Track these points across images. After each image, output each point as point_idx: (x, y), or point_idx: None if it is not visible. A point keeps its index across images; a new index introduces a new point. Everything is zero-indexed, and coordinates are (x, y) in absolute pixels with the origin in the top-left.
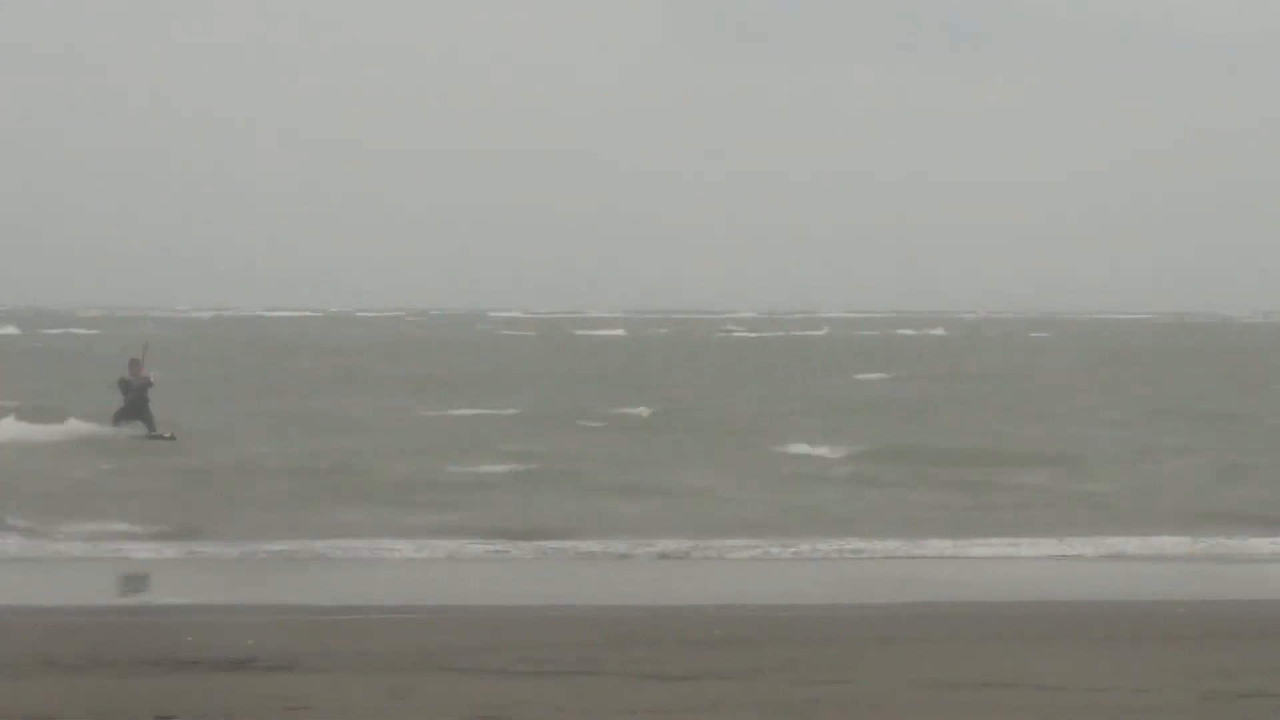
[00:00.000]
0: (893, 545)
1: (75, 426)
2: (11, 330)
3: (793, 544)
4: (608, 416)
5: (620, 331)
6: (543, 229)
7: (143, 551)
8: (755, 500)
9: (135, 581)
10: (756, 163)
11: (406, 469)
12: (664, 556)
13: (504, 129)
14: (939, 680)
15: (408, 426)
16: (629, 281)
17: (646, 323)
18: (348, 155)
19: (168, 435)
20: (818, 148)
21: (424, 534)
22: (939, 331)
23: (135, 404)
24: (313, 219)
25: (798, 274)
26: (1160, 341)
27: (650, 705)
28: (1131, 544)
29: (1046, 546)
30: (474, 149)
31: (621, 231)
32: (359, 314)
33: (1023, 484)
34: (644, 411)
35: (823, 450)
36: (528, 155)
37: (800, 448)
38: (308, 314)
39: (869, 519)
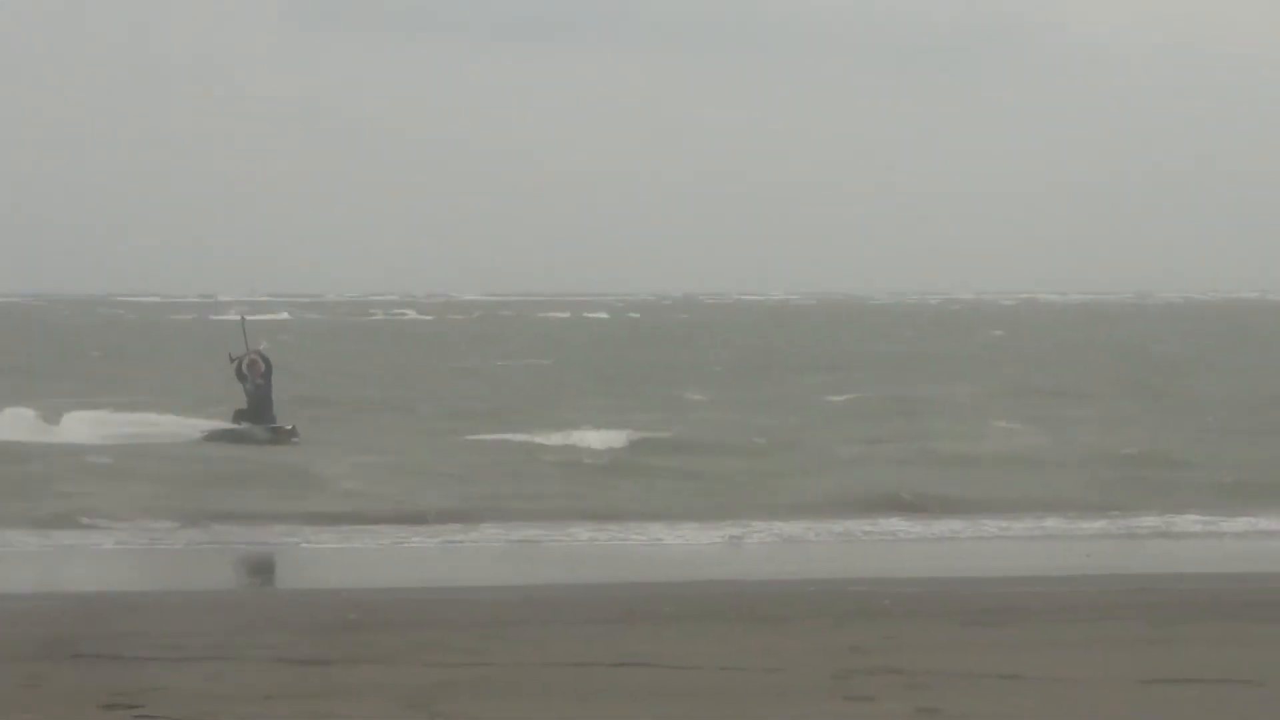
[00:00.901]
0: (535, 532)
1: (201, 425)
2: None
3: (456, 530)
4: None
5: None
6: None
7: None
8: (431, 486)
9: None
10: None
11: None
12: (306, 543)
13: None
14: (575, 661)
15: None
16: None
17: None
18: None
19: (288, 428)
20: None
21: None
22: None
23: (259, 397)
24: None
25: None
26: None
27: (285, 690)
28: (792, 527)
29: (714, 531)
30: None
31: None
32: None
33: (717, 471)
34: None
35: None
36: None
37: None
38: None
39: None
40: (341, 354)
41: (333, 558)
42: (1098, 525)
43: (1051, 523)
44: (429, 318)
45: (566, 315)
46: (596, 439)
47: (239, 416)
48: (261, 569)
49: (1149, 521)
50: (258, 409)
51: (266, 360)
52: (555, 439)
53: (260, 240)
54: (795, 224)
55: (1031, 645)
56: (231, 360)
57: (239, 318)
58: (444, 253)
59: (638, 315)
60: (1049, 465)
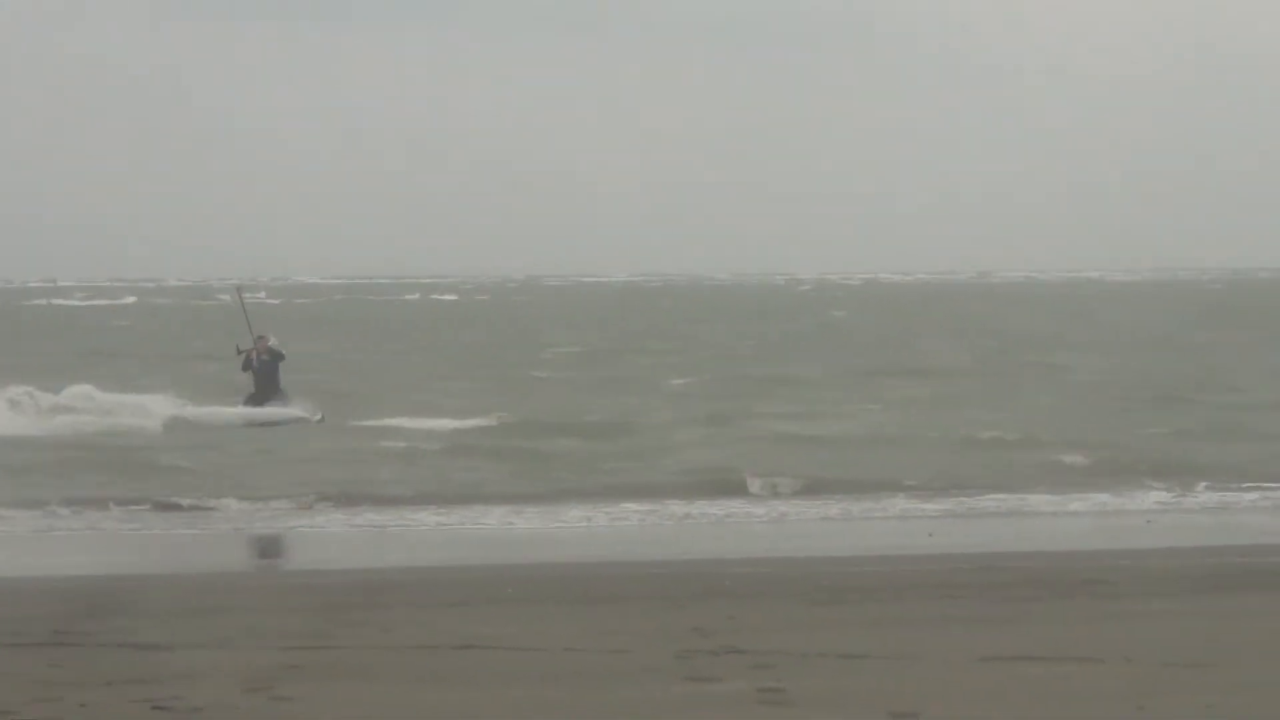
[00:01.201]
0: (377, 516)
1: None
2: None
3: (299, 515)
4: None
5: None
6: None
7: None
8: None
9: None
10: None
11: None
12: (157, 529)
13: None
14: (420, 644)
15: None
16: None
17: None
18: None
19: (317, 418)
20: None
21: None
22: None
23: (265, 383)
24: None
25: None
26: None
27: (128, 675)
28: (635, 508)
29: (558, 513)
30: None
31: None
32: None
33: (560, 453)
34: None
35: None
36: None
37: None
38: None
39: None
40: (189, 338)
41: (172, 542)
42: (944, 505)
43: (897, 502)
44: (276, 302)
45: (416, 297)
46: (441, 423)
47: (250, 403)
48: (107, 554)
49: (996, 500)
50: (270, 391)
51: (275, 352)
52: (401, 423)
53: (101, 225)
54: (636, 207)
55: (874, 624)
56: (239, 353)
57: (235, 291)
58: (286, 236)
59: (486, 297)
60: (895, 444)
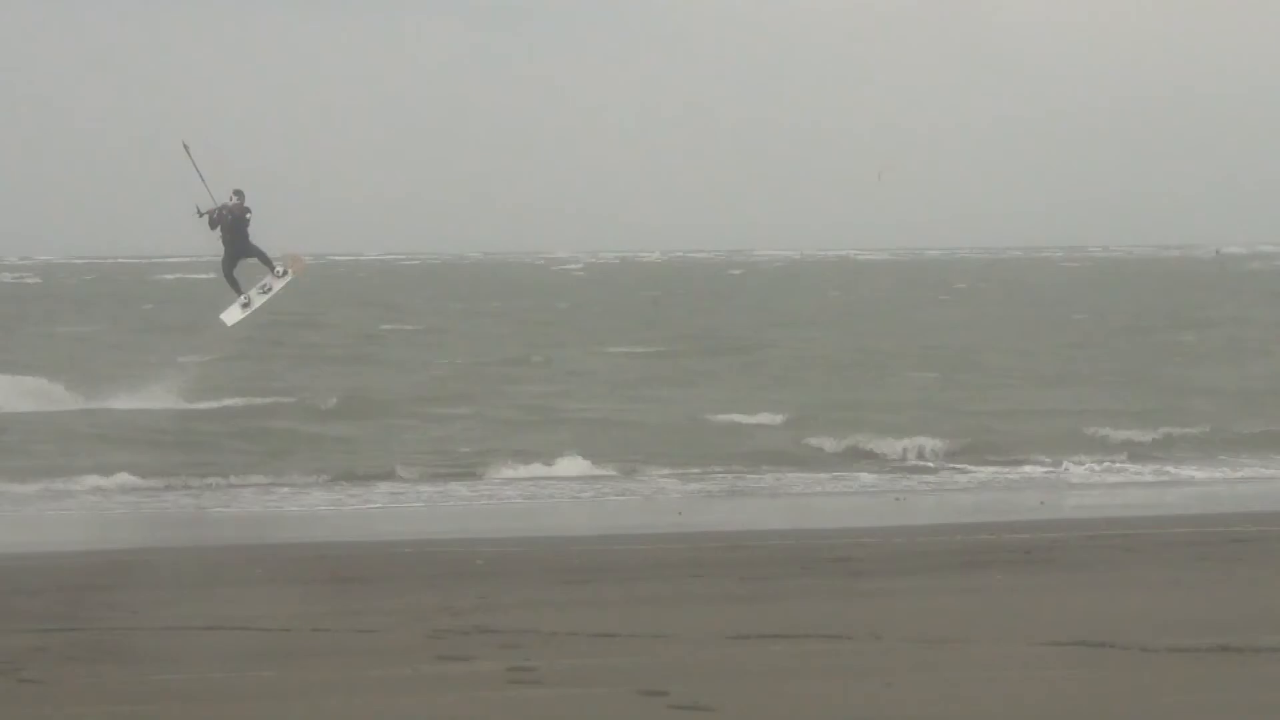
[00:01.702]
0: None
1: None
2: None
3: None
4: None
5: None
6: None
7: None
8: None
9: None
10: None
11: None
12: None
13: None
14: (167, 625)
15: None
16: None
17: None
18: None
19: (281, 272)
20: None
21: None
22: None
23: (237, 241)
24: None
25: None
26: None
27: None
28: (386, 489)
29: (307, 494)
30: None
31: None
32: None
33: (302, 434)
34: None
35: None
36: None
37: None
38: None
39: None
40: None
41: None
42: (697, 486)
43: (647, 481)
44: (37, 281)
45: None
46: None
47: (230, 264)
48: None
49: (744, 479)
50: (242, 248)
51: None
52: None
53: None
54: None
55: (624, 603)
56: (200, 215)
57: (184, 148)
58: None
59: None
60: (640, 425)
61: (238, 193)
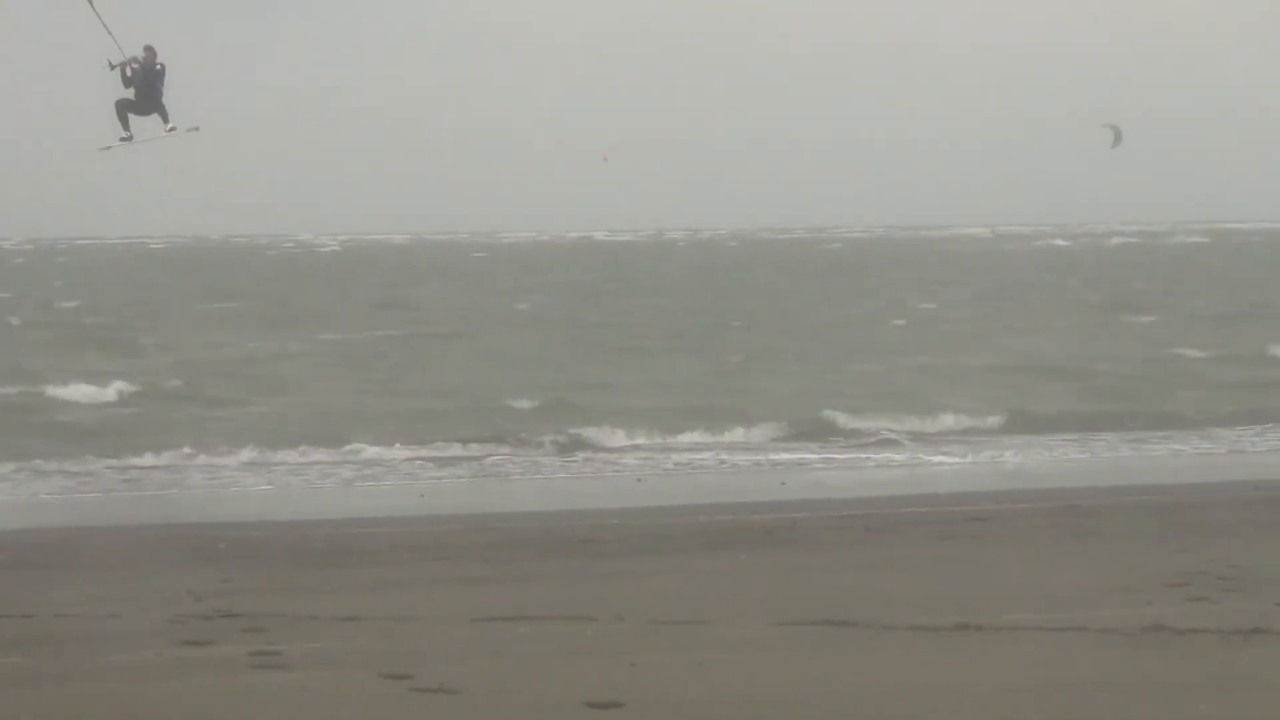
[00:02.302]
0: None
1: None
2: None
3: None
4: None
5: None
6: None
7: None
8: None
9: None
10: None
11: None
12: None
13: None
14: None
15: None
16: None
17: None
18: None
19: (195, 127)
20: None
21: None
22: None
23: (146, 91)
24: None
25: None
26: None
27: None
28: (112, 463)
29: (46, 480)
30: None
31: None
32: None
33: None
34: None
35: None
36: None
37: None
38: None
39: None
40: None
41: None
42: (443, 470)
43: (382, 455)
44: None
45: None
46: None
47: (125, 108)
48: None
49: (494, 461)
50: (151, 102)
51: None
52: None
53: None
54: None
55: (369, 586)
56: (112, 68)
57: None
58: None
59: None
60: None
61: (148, 48)
